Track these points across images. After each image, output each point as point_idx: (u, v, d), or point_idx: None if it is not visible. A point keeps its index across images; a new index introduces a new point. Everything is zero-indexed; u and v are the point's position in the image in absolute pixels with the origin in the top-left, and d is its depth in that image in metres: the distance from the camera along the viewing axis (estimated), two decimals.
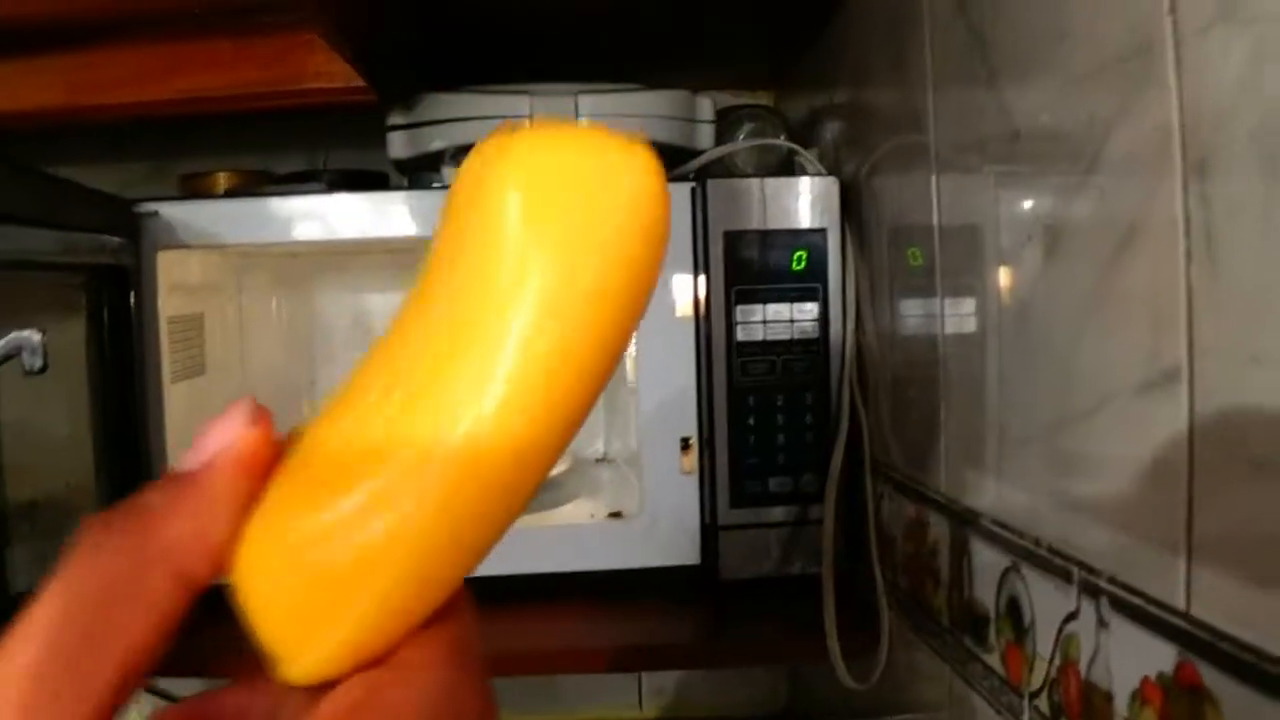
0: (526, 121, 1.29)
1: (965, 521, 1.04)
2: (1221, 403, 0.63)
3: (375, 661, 0.40)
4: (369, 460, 0.38)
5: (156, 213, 1.35)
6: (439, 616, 0.42)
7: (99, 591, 0.37)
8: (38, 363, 0.99)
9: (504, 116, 1.41)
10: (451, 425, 0.38)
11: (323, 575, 0.38)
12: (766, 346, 1.38)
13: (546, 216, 0.39)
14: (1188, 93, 0.65)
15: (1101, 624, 0.77)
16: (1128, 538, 0.74)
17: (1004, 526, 0.95)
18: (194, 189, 1.69)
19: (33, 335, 0.99)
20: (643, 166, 0.41)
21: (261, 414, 0.41)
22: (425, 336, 0.40)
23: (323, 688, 0.39)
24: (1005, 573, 0.95)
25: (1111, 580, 0.76)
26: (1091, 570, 0.79)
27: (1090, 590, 0.79)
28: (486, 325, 0.38)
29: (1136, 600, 0.73)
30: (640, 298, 0.42)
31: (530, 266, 0.39)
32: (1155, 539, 0.70)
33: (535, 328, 0.38)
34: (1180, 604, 0.67)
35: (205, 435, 0.41)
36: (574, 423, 0.41)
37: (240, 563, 0.40)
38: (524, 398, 0.38)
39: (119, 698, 0.37)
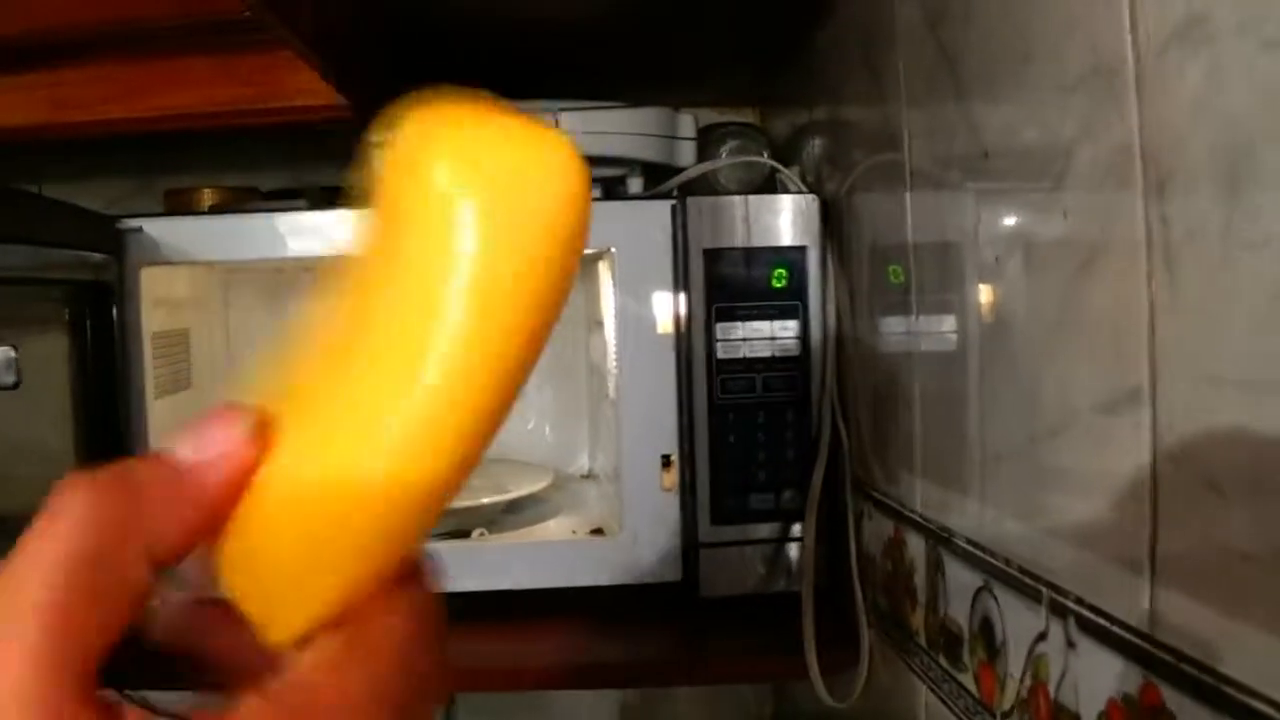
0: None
1: (940, 540, 1.04)
2: (1183, 423, 0.63)
3: (347, 619, 0.42)
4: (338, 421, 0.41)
5: (140, 229, 1.35)
6: (401, 581, 0.44)
7: (82, 559, 0.37)
8: (9, 379, 0.99)
9: None
10: (406, 391, 0.40)
11: (299, 539, 0.41)
12: (747, 364, 1.37)
13: (475, 203, 0.41)
14: (1147, 113, 0.64)
15: (1069, 644, 0.77)
16: (1093, 558, 0.74)
17: (977, 546, 0.95)
18: (178, 205, 1.69)
19: (7, 351, 0.99)
20: (574, 169, 0.44)
21: (264, 430, 0.42)
22: (371, 328, 0.41)
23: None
24: (978, 592, 0.94)
25: (1078, 601, 0.76)
26: (1060, 590, 0.79)
27: (1059, 611, 0.79)
28: (419, 323, 0.40)
29: (1102, 621, 0.72)
30: (555, 295, 0.44)
31: (460, 263, 0.40)
32: (1119, 560, 0.70)
33: (463, 321, 0.40)
34: (1144, 625, 0.67)
35: (208, 430, 0.41)
36: (503, 400, 0.42)
37: (224, 544, 0.42)
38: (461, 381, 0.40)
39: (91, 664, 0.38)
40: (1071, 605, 0.77)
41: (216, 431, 0.41)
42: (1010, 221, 0.86)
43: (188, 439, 0.41)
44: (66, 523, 0.38)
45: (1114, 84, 0.67)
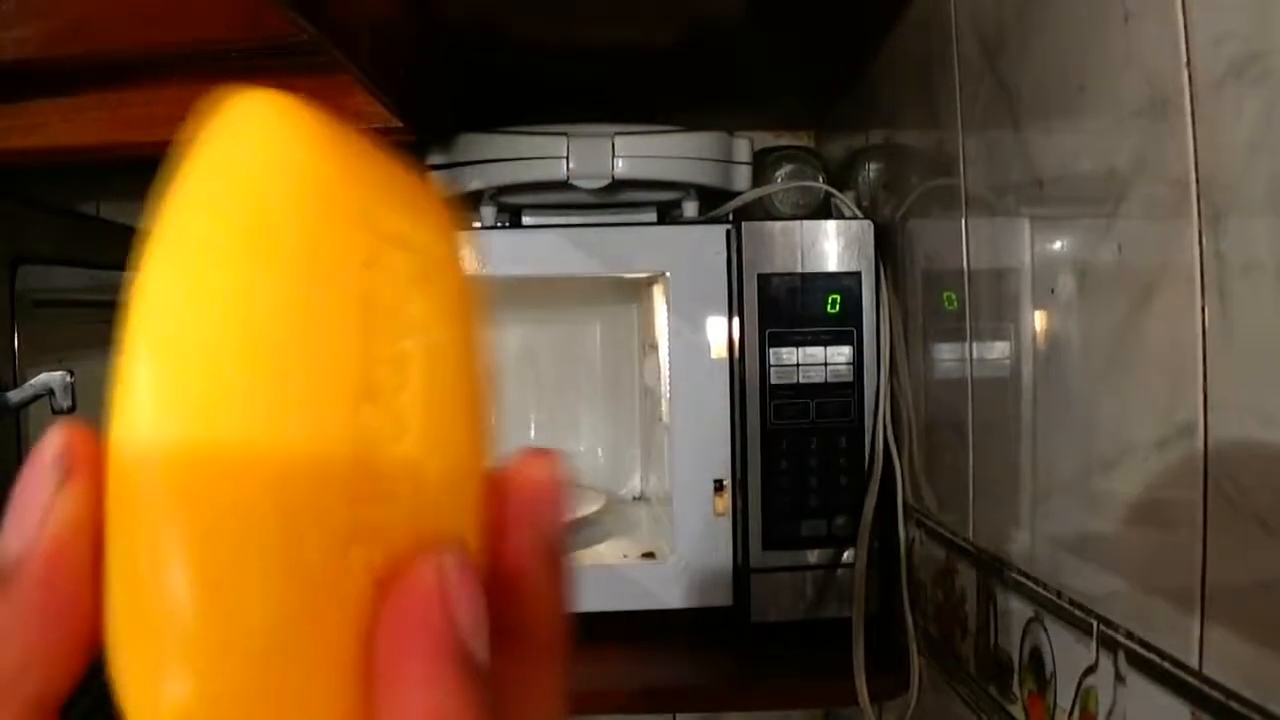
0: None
1: (992, 570, 1.03)
2: (1234, 461, 0.63)
3: None
4: None
5: None
6: None
7: None
8: (66, 403, 1.00)
9: (541, 157, 1.41)
10: None
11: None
12: (800, 389, 1.37)
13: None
14: (1204, 146, 0.64)
15: (1119, 679, 0.77)
16: (1144, 593, 0.74)
17: (1028, 576, 0.95)
18: None
19: (64, 376, 1.00)
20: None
21: (78, 449, 0.32)
22: None
23: None
24: (1029, 623, 0.94)
25: (1129, 635, 0.76)
26: (1110, 624, 0.79)
27: (1108, 644, 0.78)
28: None
29: (1152, 656, 0.72)
30: None
31: None
32: (1170, 595, 0.70)
33: None
34: (1193, 662, 0.67)
35: (18, 501, 0.32)
36: None
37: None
38: None
39: None
40: (1121, 639, 0.76)
41: (25, 497, 0.32)
42: (1066, 251, 0.86)
43: (8, 526, 0.32)
44: None
45: (1169, 117, 0.67)
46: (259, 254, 0.32)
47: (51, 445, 0.32)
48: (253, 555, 0.30)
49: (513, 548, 0.38)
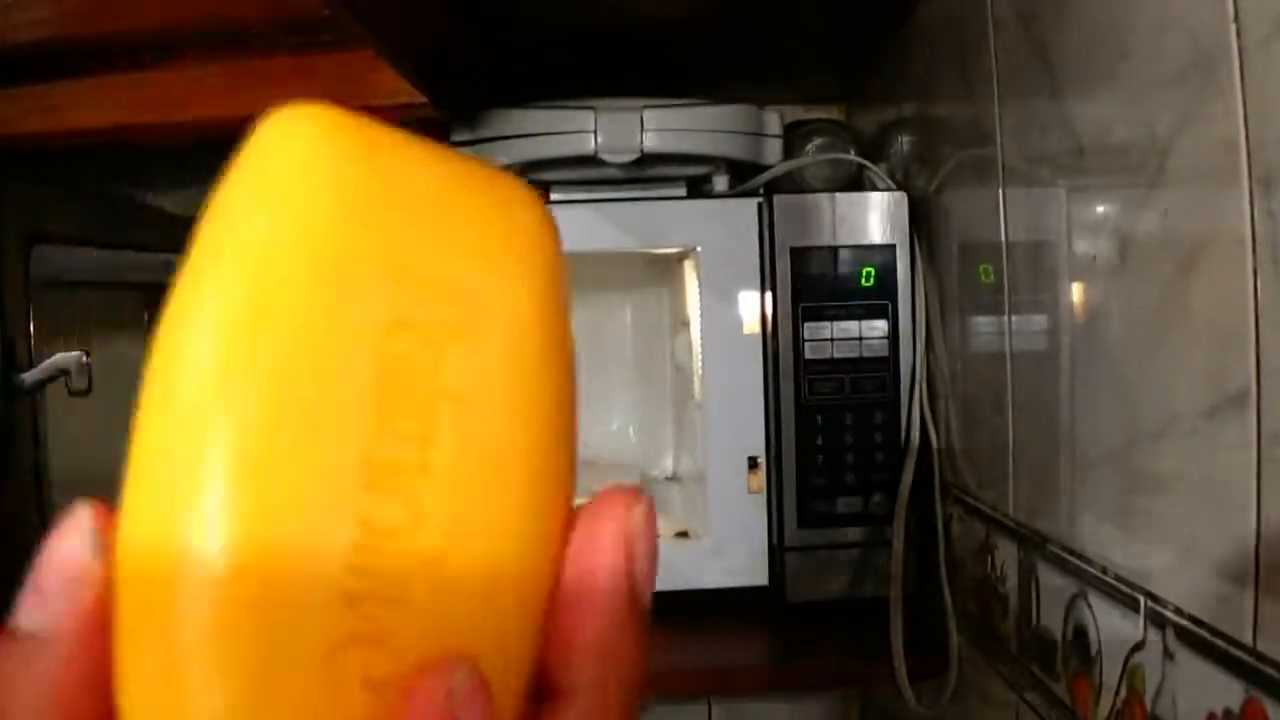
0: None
1: (1033, 546, 1.02)
2: None
3: None
4: None
5: None
6: None
7: None
8: (83, 384, 0.99)
9: (569, 131, 1.40)
10: None
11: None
12: (835, 364, 1.35)
13: None
14: (1252, 105, 0.62)
15: (1168, 656, 0.75)
16: (1194, 567, 0.72)
17: (1071, 552, 0.93)
18: None
19: (79, 356, 0.99)
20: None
21: (107, 528, 0.31)
22: None
23: None
24: (1073, 600, 0.92)
25: (1178, 611, 0.74)
26: (1158, 600, 0.77)
27: (1157, 621, 0.76)
28: None
29: (1203, 633, 0.70)
30: None
31: None
32: (1222, 570, 0.68)
33: None
34: (1247, 638, 0.65)
35: (44, 569, 0.31)
36: None
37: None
38: None
39: None
40: (1170, 615, 0.75)
41: (56, 567, 0.31)
42: (1107, 219, 0.84)
43: (32, 591, 0.31)
44: None
45: (1216, 76, 0.65)
46: (260, 324, 0.30)
47: (83, 518, 0.31)
48: (223, 669, 0.28)
49: (588, 601, 0.34)
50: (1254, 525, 0.64)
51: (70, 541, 0.31)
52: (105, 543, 0.30)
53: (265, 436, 0.29)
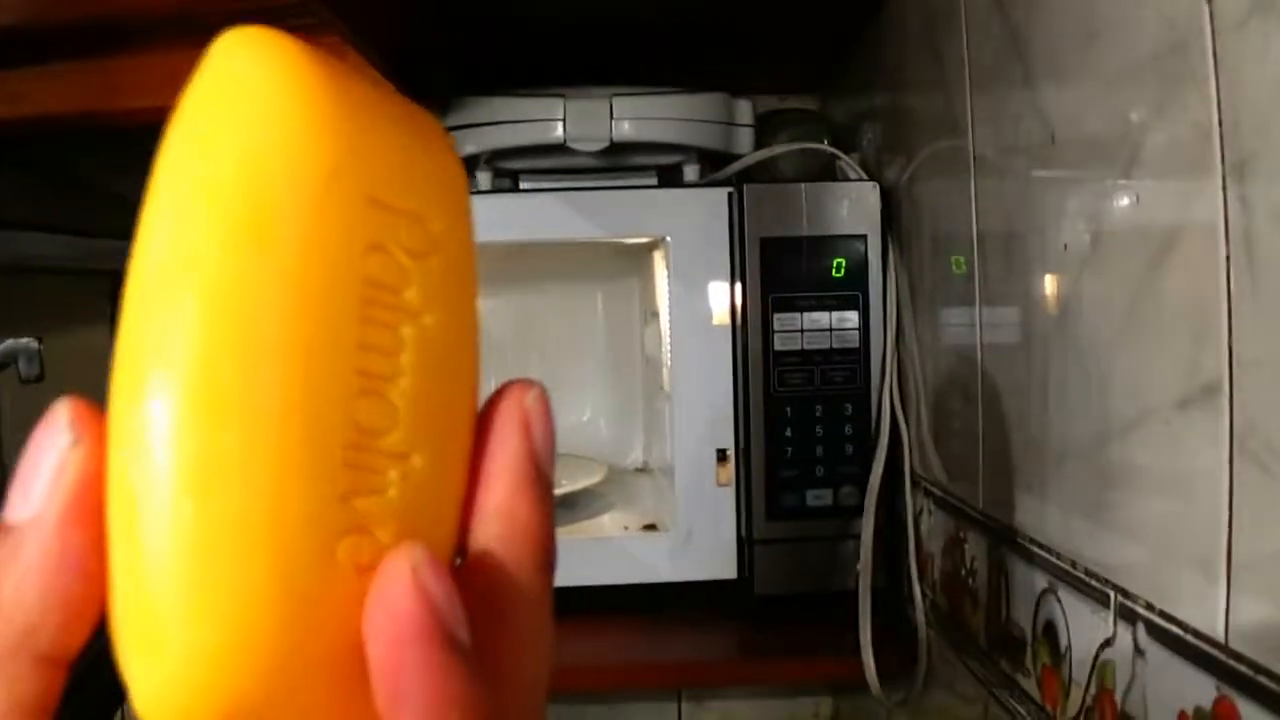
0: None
1: (1003, 540, 1.01)
2: (1264, 421, 0.59)
3: None
4: None
5: None
6: None
7: None
8: (34, 371, 0.97)
9: (538, 120, 1.38)
10: None
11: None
12: (805, 356, 1.34)
13: None
14: (1225, 91, 0.61)
15: (1138, 652, 0.74)
16: (1165, 562, 0.71)
17: (1041, 546, 0.92)
18: None
19: (30, 343, 0.97)
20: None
21: (86, 419, 0.33)
22: None
23: None
24: (1043, 594, 0.91)
25: (1148, 606, 0.73)
26: (1128, 595, 0.76)
27: (1127, 616, 0.76)
28: None
29: (1174, 629, 0.69)
30: None
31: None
32: (1193, 564, 0.67)
33: None
34: (1219, 635, 0.64)
35: (28, 464, 0.34)
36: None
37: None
38: None
39: None
40: (1141, 611, 0.74)
41: (36, 457, 0.34)
42: (1080, 207, 0.82)
43: (17, 486, 0.34)
44: None
45: (1189, 60, 0.64)
46: (256, 244, 0.31)
47: (62, 411, 0.34)
48: (243, 559, 0.30)
49: (494, 475, 0.38)
50: (1225, 520, 0.63)
51: (50, 434, 0.33)
52: (86, 433, 0.33)
53: (275, 342, 0.31)
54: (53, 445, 0.33)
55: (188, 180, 0.32)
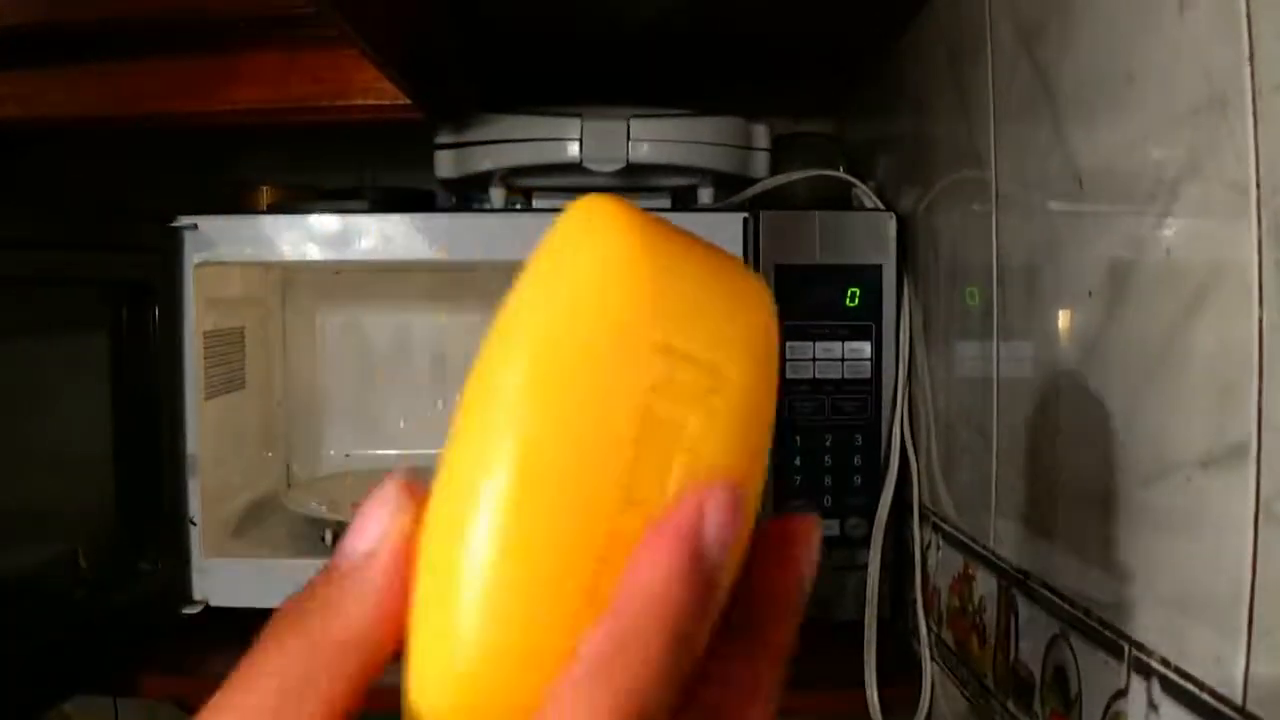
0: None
1: (1015, 581, 1.00)
2: None
3: None
4: None
5: (195, 226, 1.32)
6: None
7: (279, 694, 0.39)
8: None
9: (554, 139, 1.38)
10: None
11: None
12: (816, 385, 1.34)
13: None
14: (1265, 150, 0.60)
15: (1151, 706, 0.73)
16: (1184, 619, 0.70)
17: (1054, 591, 0.91)
18: (238, 202, 1.67)
19: None
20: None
21: (415, 495, 0.42)
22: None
23: None
24: (1054, 639, 0.90)
25: (1164, 662, 0.72)
26: (1143, 649, 0.75)
27: (1141, 669, 0.75)
28: None
29: (1190, 687, 0.68)
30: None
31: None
32: (1213, 625, 0.66)
33: None
34: (1237, 697, 0.63)
35: (364, 519, 0.42)
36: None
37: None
38: None
39: None
40: (1156, 665, 0.73)
41: (373, 515, 0.42)
42: (1107, 253, 0.81)
43: (353, 534, 0.42)
44: (246, 678, 0.40)
45: (1229, 116, 0.63)
46: (550, 382, 0.38)
47: (392, 486, 0.42)
48: (523, 613, 0.38)
49: (766, 569, 0.43)
50: (1249, 583, 0.62)
51: (382, 501, 0.41)
52: (410, 504, 0.41)
53: (557, 455, 0.38)
54: (385, 508, 0.41)
55: (518, 321, 0.40)
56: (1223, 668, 0.64)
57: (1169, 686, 0.71)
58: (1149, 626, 0.75)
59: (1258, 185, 0.60)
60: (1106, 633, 0.80)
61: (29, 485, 1.10)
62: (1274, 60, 0.59)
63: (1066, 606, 0.88)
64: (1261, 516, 0.61)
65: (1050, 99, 0.91)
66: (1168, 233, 0.71)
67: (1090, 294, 0.83)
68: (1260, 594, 0.61)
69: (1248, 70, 0.61)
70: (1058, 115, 0.89)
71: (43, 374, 1.10)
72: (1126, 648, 0.77)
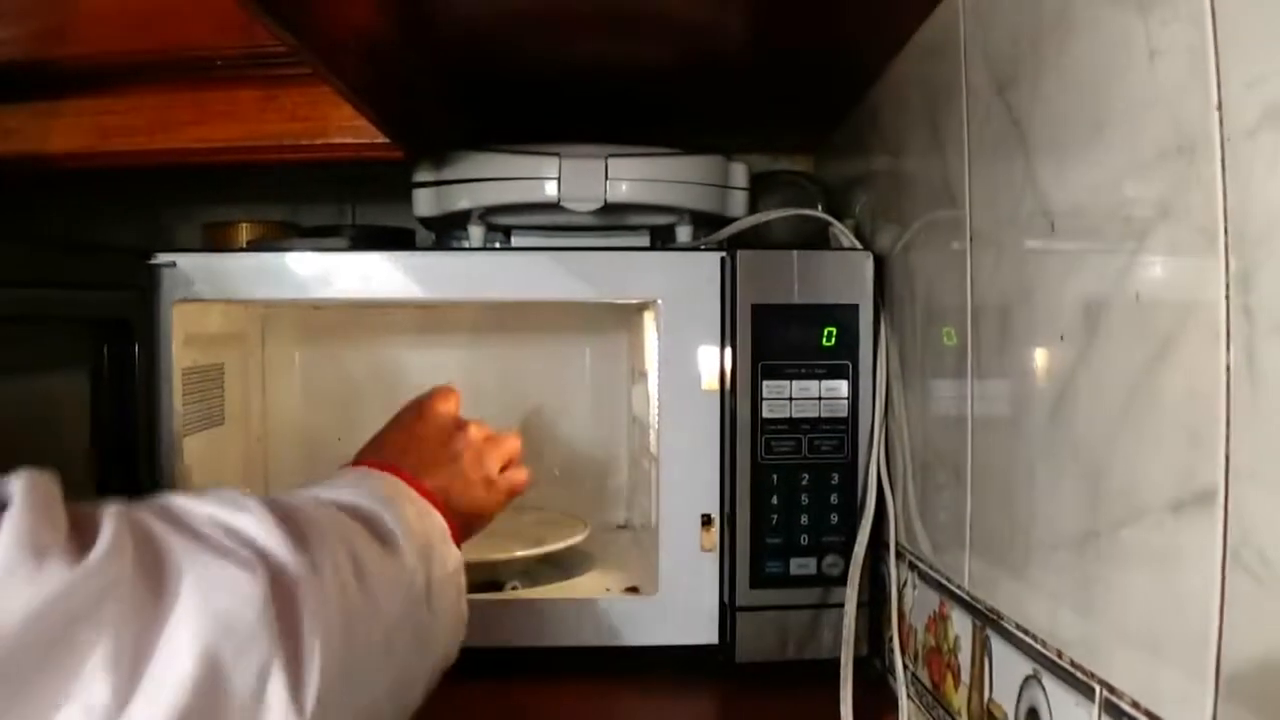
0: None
1: (988, 621, 1.00)
2: (1257, 532, 0.59)
3: None
4: None
5: (174, 264, 1.32)
6: None
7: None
8: None
9: (532, 178, 1.38)
10: None
11: None
12: (793, 424, 1.34)
13: None
14: (1233, 198, 0.60)
15: None
16: (1153, 662, 0.70)
17: (1026, 633, 0.91)
18: (216, 239, 1.67)
19: None
20: None
21: None
22: None
23: None
24: (1026, 680, 0.91)
25: (1134, 705, 0.72)
26: (1114, 691, 0.75)
27: (1112, 711, 0.75)
28: None
29: None
30: None
31: None
32: (1182, 669, 0.66)
33: None
34: None
35: None
36: None
37: None
38: None
39: None
40: (1126, 708, 0.73)
41: None
42: (1078, 296, 0.82)
43: None
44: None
45: (1197, 162, 0.63)
46: None
47: None
48: None
49: None
50: (1216, 629, 0.62)
51: None
52: None
53: None
54: None
55: None
56: (1190, 711, 0.65)
57: None
58: (1120, 668, 0.75)
59: (1225, 230, 0.61)
60: (1078, 674, 0.81)
61: None
62: (1242, 108, 0.60)
63: (1039, 647, 0.88)
64: (1229, 561, 0.61)
65: (1022, 141, 0.91)
66: (1137, 275, 0.72)
67: (1062, 336, 0.84)
68: (1228, 638, 0.61)
69: (1216, 118, 0.61)
70: (1030, 158, 0.90)
71: (24, 410, 1.10)
72: (1098, 689, 0.77)
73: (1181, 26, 0.65)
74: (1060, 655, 0.84)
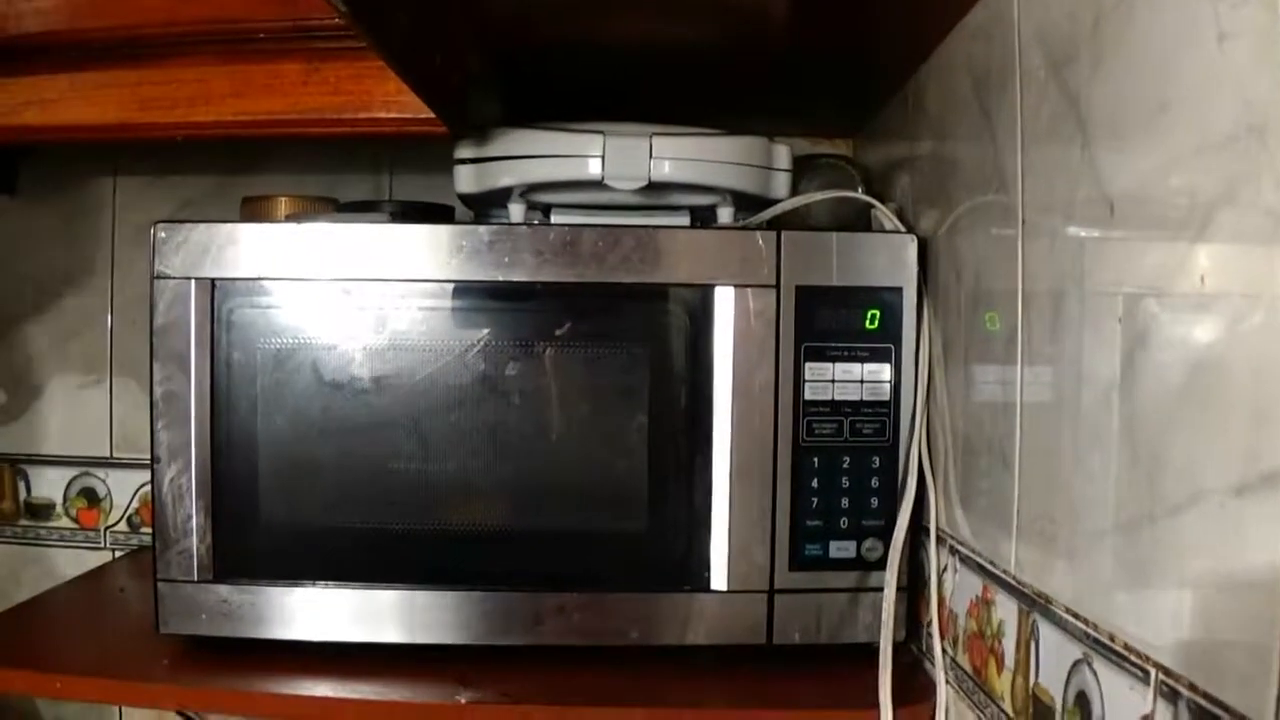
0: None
1: (1036, 605, 1.00)
2: None
3: None
4: None
5: None
6: None
7: None
8: None
9: (576, 156, 1.38)
10: None
11: None
12: (835, 406, 1.33)
13: None
14: None
15: None
16: (1213, 644, 0.70)
17: (1076, 616, 0.90)
18: (254, 213, 1.67)
19: None
20: None
21: None
22: None
23: None
24: (1076, 664, 0.90)
25: (1191, 687, 0.71)
26: (1170, 673, 0.74)
27: (1168, 695, 0.74)
28: None
29: (1219, 712, 0.68)
30: None
31: None
32: (1243, 652, 0.65)
33: None
34: None
35: None
36: None
37: None
38: None
39: None
40: (1184, 691, 0.72)
41: None
42: (1136, 280, 0.81)
43: None
44: None
45: (1267, 144, 0.63)
46: None
47: None
48: None
49: None
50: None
51: None
52: None
53: None
54: None
55: None
56: (1252, 694, 0.64)
57: (1197, 712, 0.71)
58: (1176, 652, 0.74)
59: None
60: (1132, 658, 0.80)
61: None
62: None
63: (1091, 631, 0.88)
64: None
65: (1081, 125, 0.91)
66: (1201, 259, 0.71)
67: (1120, 320, 0.83)
68: None
69: None
70: (1088, 141, 0.89)
71: None
72: (1153, 672, 0.77)
73: (1252, 10, 0.65)
74: (1113, 639, 0.83)
